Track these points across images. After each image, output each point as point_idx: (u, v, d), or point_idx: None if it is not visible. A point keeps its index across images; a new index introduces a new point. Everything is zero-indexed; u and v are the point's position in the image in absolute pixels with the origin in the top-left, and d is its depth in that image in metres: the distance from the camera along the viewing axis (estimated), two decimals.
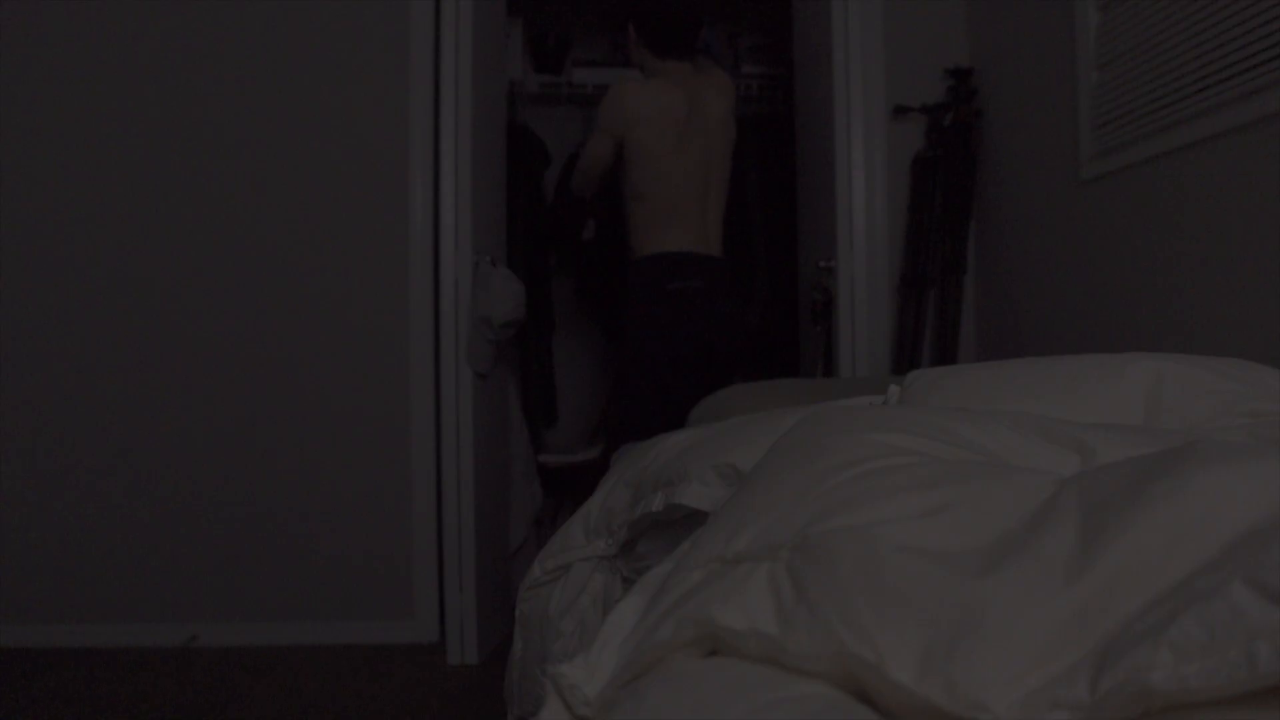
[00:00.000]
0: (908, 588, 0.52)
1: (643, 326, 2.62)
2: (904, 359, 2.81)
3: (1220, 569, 0.47)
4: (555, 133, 3.80)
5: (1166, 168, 2.02)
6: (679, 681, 0.53)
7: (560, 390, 3.78)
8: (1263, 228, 1.74)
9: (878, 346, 2.84)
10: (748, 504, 0.67)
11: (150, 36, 2.79)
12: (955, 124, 2.81)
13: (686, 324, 2.62)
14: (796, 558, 0.58)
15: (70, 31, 2.77)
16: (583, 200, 3.08)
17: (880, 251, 2.87)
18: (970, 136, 2.82)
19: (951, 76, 2.86)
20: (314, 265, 2.83)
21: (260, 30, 2.82)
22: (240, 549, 2.79)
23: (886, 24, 2.85)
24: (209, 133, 2.81)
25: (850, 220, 2.80)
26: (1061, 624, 0.47)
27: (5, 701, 2.27)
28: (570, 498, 3.67)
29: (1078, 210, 2.37)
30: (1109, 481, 0.58)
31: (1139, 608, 0.47)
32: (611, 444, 2.77)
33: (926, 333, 2.84)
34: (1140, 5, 2.09)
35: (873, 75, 2.84)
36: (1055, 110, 2.45)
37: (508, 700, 1.37)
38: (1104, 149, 2.24)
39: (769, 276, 3.66)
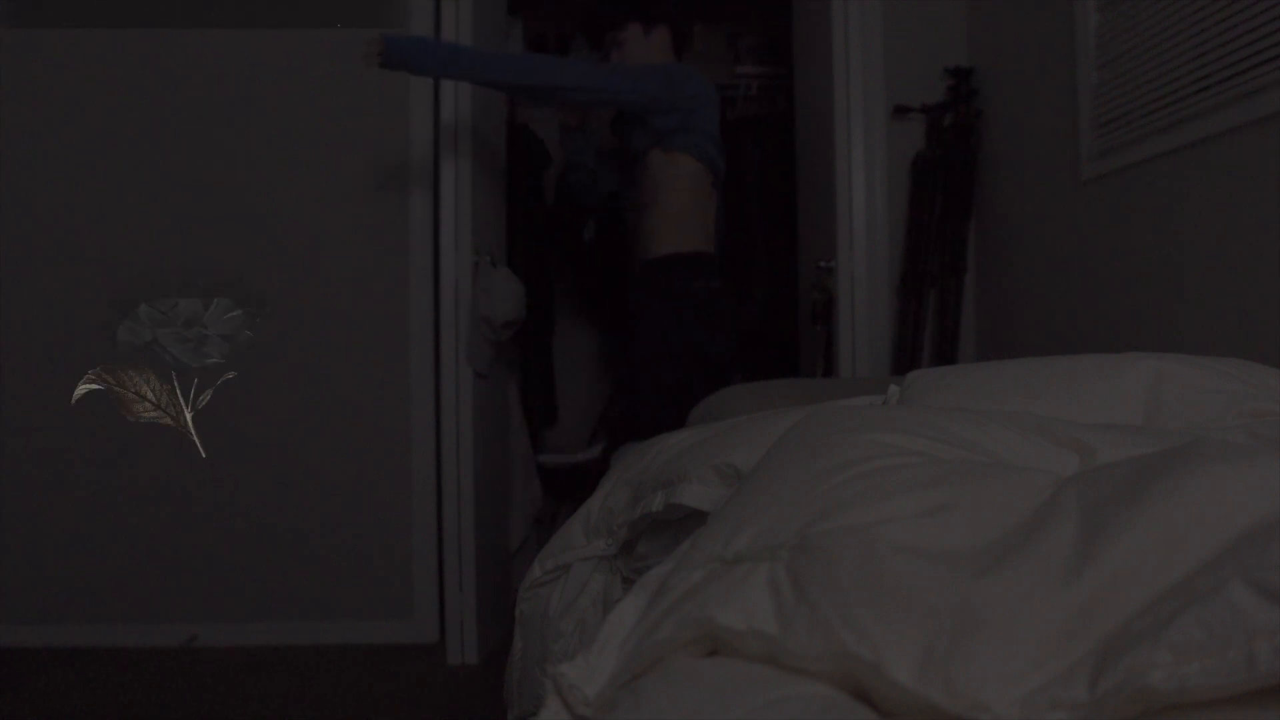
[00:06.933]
0: (907, 588, 0.52)
1: (664, 325, 2.57)
2: (904, 359, 2.80)
3: (1219, 569, 0.47)
4: (555, 133, 3.78)
5: (1166, 168, 2.02)
6: (679, 681, 0.53)
7: (560, 390, 3.77)
8: (1263, 228, 1.74)
9: (878, 346, 2.84)
10: (747, 504, 0.67)
11: (154, 30, 2.79)
12: (955, 124, 2.81)
13: (707, 325, 2.59)
14: (796, 558, 0.58)
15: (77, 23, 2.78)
16: (583, 199, 3.03)
17: (880, 251, 2.86)
18: (970, 136, 2.81)
19: (951, 76, 2.86)
20: (314, 265, 2.83)
21: (261, 29, 2.81)
22: (240, 549, 2.79)
23: (886, 24, 2.85)
24: (208, 132, 2.81)
25: (850, 220, 2.80)
26: (1061, 624, 0.47)
27: (5, 701, 2.27)
28: (570, 498, 3.67)
29: (1078, 210, 2.37)
30: (1109, 481, 0.58)
31: (1138, 607, 0.47)
32: (613, 443, 2.76)
33: (926, 333, 2.84)
34: (1140, 5, 2.09)
35: (873, 75, 2.83)
36: (1055, 110, 2.44)
37: (508, 700, 1.37)
38: (1104, 149, 2.24)
39: (769, 276, 3.66)
